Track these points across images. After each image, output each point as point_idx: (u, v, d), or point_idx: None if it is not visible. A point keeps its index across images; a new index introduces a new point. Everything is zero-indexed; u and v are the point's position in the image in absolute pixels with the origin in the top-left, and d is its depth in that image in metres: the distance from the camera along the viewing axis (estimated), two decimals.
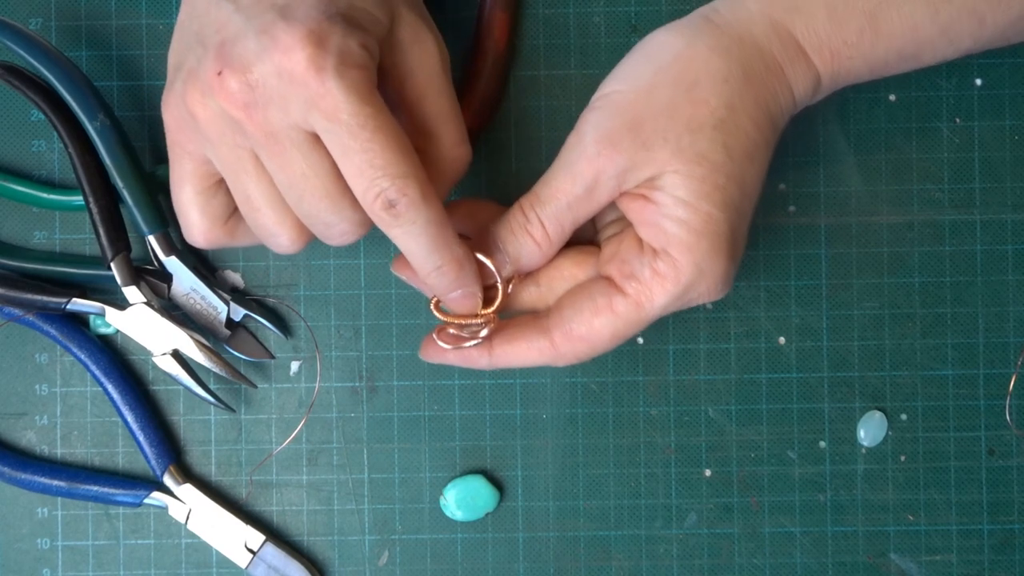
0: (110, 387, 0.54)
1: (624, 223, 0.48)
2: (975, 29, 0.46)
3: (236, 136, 0.42)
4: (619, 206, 0.46)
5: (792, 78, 0.46)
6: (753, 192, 0.46)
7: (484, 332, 0.47)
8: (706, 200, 0.44)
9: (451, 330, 0.48)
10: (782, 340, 0.55)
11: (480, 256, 0.47)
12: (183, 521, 0.54)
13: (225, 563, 0.55)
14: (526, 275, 0.49)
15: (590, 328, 0.46)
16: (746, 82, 0.45)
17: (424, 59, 0.45)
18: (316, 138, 0.42)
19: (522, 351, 0.47)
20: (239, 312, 0.53)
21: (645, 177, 0.44)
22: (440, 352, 0.48)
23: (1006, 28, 0.47)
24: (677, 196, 0.44)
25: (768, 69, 0.45)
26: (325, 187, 0.42)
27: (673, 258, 0.44)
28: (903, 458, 0.55)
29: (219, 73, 0.41)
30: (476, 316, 0.47)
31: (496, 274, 0.47)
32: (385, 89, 0.44)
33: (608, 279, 0.47)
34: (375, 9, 0.43)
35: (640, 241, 0.46)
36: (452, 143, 0.46)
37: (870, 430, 0.55)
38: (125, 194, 0.51)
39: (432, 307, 0.48)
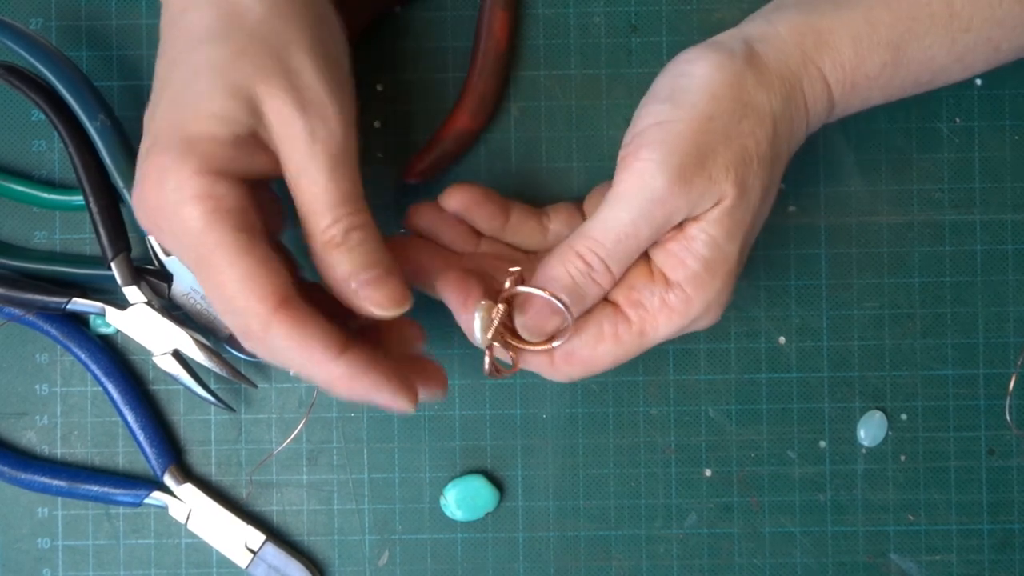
0: (110, 387, 0.54)
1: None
2: (990, 55, 0.47)
3: None
4: None
5: (812, 111, 0.45)
6: (759, 226, 0.46)
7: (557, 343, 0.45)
8: (731, 240, 0.43)
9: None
10: (782, 340, 0.55)
11: (548, 295, 0.44)
12: (183, 521, 0.54)
13: (225, 563, 0.55)
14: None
15: (592, 353, 0.45)
16: (783, 120, 0.44)
17: (291, 147, 0.41)
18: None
19: (518, 362, 0.46)
20: None
21: (701, 210, 0.43)
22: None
23: (1020, 51, 0.47)
24: (710, 233, 0.43)
25: (798, 108, 0.45)
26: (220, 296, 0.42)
27: (687, 294, 0.44)
28: (903, 458, 0.55)
29: (133, 201, 0.42)
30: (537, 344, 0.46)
31: (567, 317, 0.44)
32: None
33: (614, 305, 0.45)
34: (230, 111, 0.40)
35: (650, 267, 0.45)
36: (320, 230, 0.42)
37: (870, 430, 0.55)
38: (125, 194, 0.51)
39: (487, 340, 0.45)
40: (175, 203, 0.39)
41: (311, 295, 0.42)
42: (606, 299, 0.46)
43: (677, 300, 0.44)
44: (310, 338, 0.40)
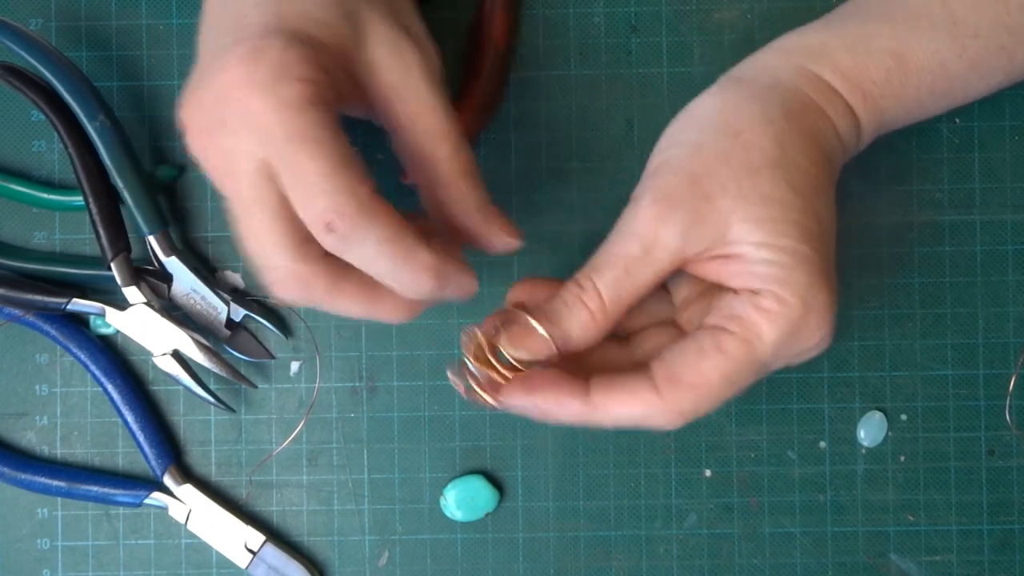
0: (110, 387, 0.54)
1: (703, 302, 0.46)
2: (1005, 64, 0.46)
3: (206, 165, 0.41)
4: (699, 274, 0.44)
5: (833, 116, 0.45)
6: (830, 225, 0.44)
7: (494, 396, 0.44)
8: (785, 237, 0.42)
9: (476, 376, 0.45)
10: None
11: (532, 321, 0.43)
12: (183, 521, 0.54)
13: (225, 563, 0.55)
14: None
15: (698, 371, 0.42)
16: (788, 121, 0.44)
17: (407, 77, 0.42)
18: (267, 171, 0.39)
19: (622, 399, 0.43)
20: (239, 312, 0.53)
21: (712, 235, 0.42)
22: (519, 394, 0.44)
23: None
24: (754, 242, 0.42)
25: (806, 107, 0.45)
26: (260, 226, 0.40)
27: (775, 293, 0.42)
28: (903, 458, 0.55)
29: (188, 99, 0.41)
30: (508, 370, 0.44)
31: (549, 346, 0.43)
32: (375, 112, 0.43)
33: (711, 326, 0.43)
34: (334, 20, 0.41)
35: (734, 290, 0.43)
36: (448, 157, 0.43)
37: (870, 430, 0.55)
38: (125, 194, 0.51)
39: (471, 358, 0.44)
40: (275, 80, 0.38)
41: None
42: (705, 325, 0.44)
43: (770, 302, 0.42)
44: (403, 224, 0.40)
